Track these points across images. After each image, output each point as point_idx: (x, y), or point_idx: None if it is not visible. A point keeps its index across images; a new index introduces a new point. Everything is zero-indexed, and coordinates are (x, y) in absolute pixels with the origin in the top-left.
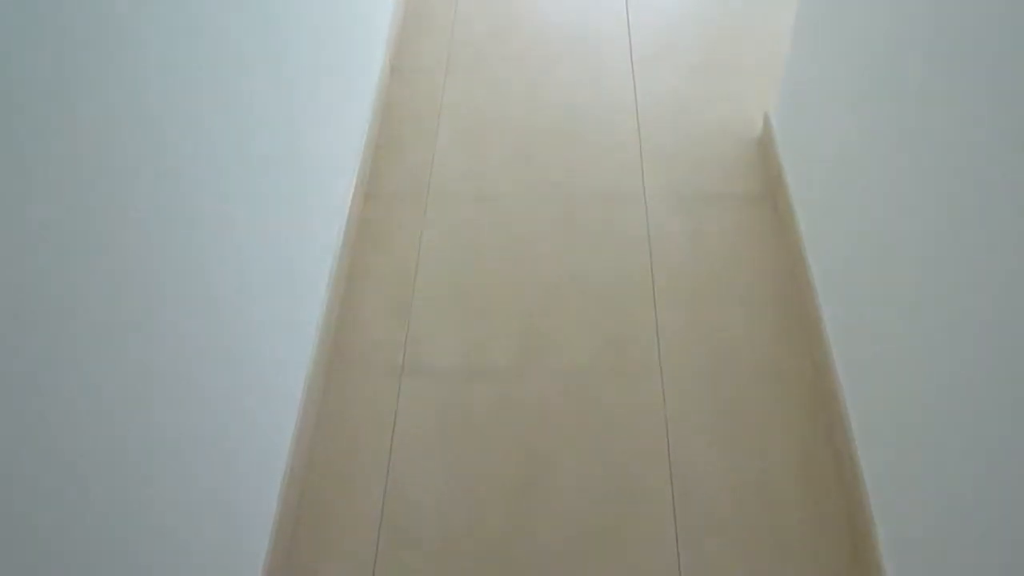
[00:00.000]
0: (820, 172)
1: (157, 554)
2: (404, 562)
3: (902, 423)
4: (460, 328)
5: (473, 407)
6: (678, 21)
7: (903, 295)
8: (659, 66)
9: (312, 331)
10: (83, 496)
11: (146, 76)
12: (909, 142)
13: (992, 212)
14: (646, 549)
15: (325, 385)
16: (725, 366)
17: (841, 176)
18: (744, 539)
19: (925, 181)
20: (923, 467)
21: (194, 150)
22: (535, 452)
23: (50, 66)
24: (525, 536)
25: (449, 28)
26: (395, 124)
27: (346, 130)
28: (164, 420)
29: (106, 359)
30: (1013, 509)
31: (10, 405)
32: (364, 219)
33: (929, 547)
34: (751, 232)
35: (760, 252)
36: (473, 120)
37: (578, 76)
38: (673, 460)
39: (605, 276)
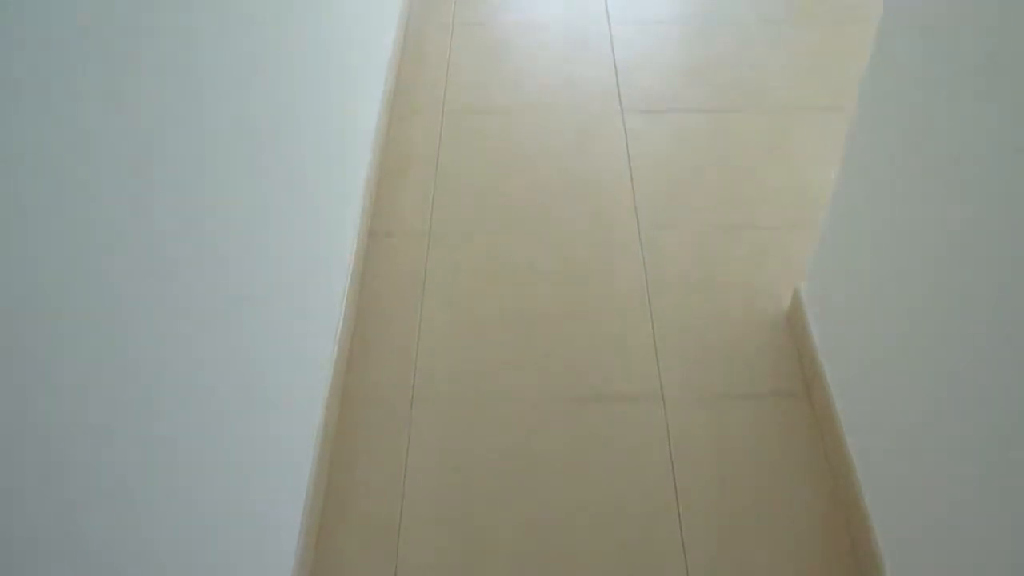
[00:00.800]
0: (863, 361)
1: None
2: None
3: None
4: None
5: None
6: (685, 174)
7: (971, 511)
8: (668, 228)
9: None
10: None
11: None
12: (968, 326)
13: None
14: None
15: None
16: None
17: (888, 367)
18: None
19: (989, 371)
20: None
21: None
22: None
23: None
24: None
25: (431, 183)
26: (373, 303)
27: (315, 315)
28: None
29: None
30: None
31: None
32: (340, 432)
33: None
34: (785, 433)
35: (797, 458)
36: (462, 297)
37: (578, 243)
38: None
39: (621, 501)
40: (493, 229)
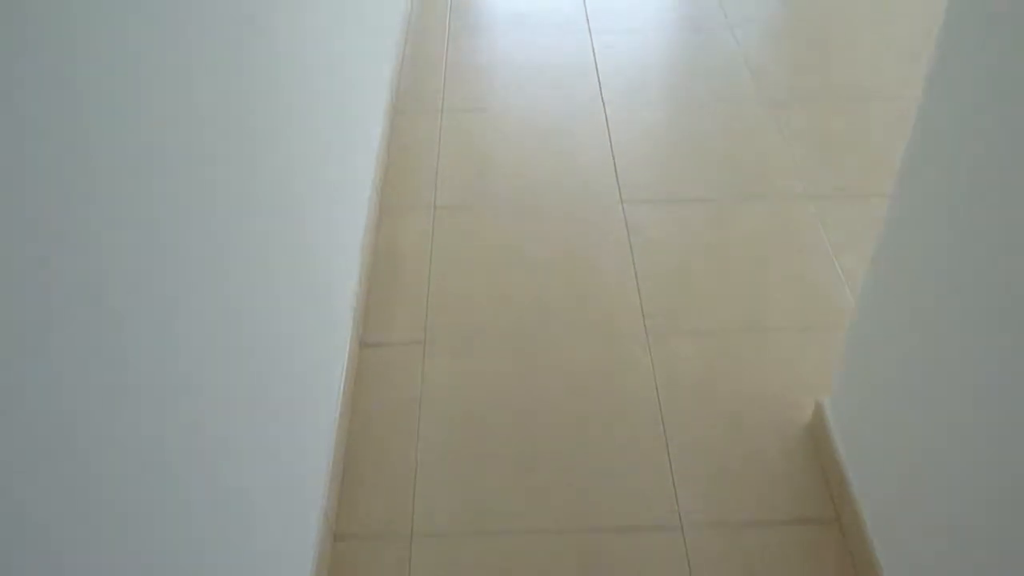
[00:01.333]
0: (899, 484)
1: None
2: None
3: None
4: None
5: None
6: (691, 272)
7: None
8: (678, 335)
9: None
10: None
11: None
12: (1016, 448)
13: None
14: None
15: None
16: None
17: (929, 490)
18: None
19: None
20: None
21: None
22: None
23: None
24: None
25: (424, 295)
26: (366, 427)
27: (305, 447)
28: None
29: None
30: None
31: None
32: (332, 573)
33: None
34: (814, 564)
35: None
36: (459, 419)
37: (581, 352)
38: None
39: None
40: (490, 341)
